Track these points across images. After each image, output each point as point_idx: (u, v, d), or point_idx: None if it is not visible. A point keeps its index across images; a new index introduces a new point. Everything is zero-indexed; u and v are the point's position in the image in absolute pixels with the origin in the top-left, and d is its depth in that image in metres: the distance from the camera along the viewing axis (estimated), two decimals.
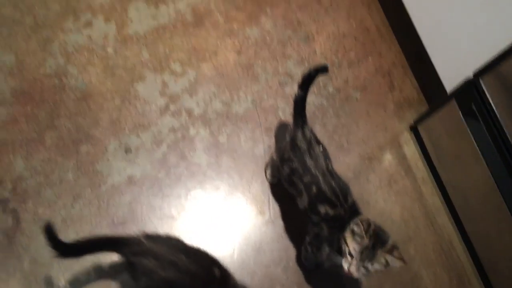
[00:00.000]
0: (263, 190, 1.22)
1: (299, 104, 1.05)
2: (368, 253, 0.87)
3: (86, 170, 1.16)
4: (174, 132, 1.23)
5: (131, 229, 1.12)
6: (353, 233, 0.89)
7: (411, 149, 1.29)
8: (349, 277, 0.89)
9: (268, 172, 1.22)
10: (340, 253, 0.90)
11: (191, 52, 1.30)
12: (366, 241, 0.87)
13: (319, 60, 1.33)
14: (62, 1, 1.28)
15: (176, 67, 1.28)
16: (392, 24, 1.38)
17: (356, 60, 1.35)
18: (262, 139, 1.25)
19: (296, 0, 1.38)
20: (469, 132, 1.06)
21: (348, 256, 0.88)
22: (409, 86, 1.34)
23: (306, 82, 1.05)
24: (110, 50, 1.26)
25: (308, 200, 1.00)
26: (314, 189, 0.98)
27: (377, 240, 0.87)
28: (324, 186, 0.97)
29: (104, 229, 1.11)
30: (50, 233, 0.89)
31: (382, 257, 0.87)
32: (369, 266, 0.87)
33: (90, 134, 1.18)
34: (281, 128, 1.26)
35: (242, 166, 1.23)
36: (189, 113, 1.25)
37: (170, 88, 1.26)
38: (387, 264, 0.87)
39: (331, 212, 0.96)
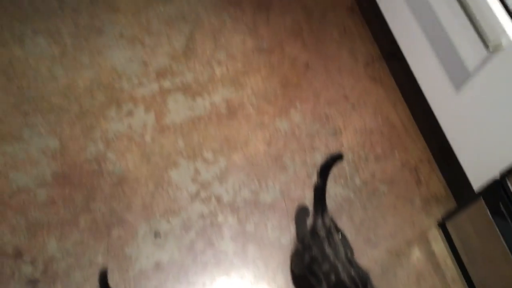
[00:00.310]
0: (288, 281, 1.21)
1: (319, 192, 1.09)
2: None
3: (116, 254, 1.18)
4: (203, 218, 1.25)
5: None
6: None
7: (439, 246, 1.27)
8: None
9: (293, 263, 1.21)
10: None
11: (223, 142, 1.36)
12: None
13: (346, 153, 1.37)
14: (107, 92, 1.39)
15: (209, 155, 1.34)
16: (418, 121, 1.43)
17: (383, 154, 1.38)
18: (289, 228, 1.27)
19: (324, 96, 1.46)
20: (498, 232, 1.05)
21: None
22: (436, 182, 1.35)
23: (324, 170, 1.09)
24: (148, 138, 1.34)
25: None
26: (333, 278, 0.98)
27: None
28: (343, 275, 0.97)
29: None
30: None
31: None
32: None
33: (122, 218, 1.22)
34: (301, 212, 1.28)
35: (268, 255, 1.23)
36: (219, 200, 1.28)
37: (201, 175, 1.31)
38: None
39: None
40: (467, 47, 1.10)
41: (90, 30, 1.47)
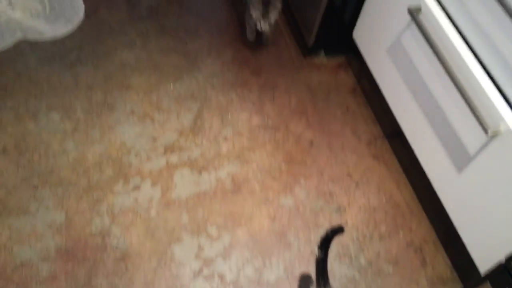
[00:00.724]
0: None
1: (320, 265, 1.10)
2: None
3: None
4: None
5: None
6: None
7: None
8: None
9: None
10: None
11: (227, 217, 1.37)
12: None
13: (350, 231, 1.37)
14: (115, 166, 1.42)
15: (213, 230, 1.34)
16: (421, 200, 1.44)
17: (387, 233, 1.38)
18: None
19: (328, 173, 1.48)
20: None
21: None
22: (441, 263, 1.34)
23: (325, 243, 1.10)
24: (153, 212, 1.35)
25: None
26: None
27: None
28: None
29: None
30: None
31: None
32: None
33: None
34: (304, 281, 1.25)
35: None
36: (222, 278, 1.27)
37: (205, 252, 1.30)
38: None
39: None
40: (467, 131, 1.14)
41: (103, 106, 1.53)
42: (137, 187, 1.39)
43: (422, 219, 1.41)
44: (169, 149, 1.48)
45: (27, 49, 1.64)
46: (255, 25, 1.61)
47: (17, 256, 1.24)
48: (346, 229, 1.38)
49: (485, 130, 1.02)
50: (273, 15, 1.59)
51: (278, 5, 1.58)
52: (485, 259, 1.14)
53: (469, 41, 1.12)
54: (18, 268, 1.22)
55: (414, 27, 1.25)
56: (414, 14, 1.20)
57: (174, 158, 1.46)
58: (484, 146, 1.08)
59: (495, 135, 1.03)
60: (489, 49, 1.06)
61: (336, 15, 1.57)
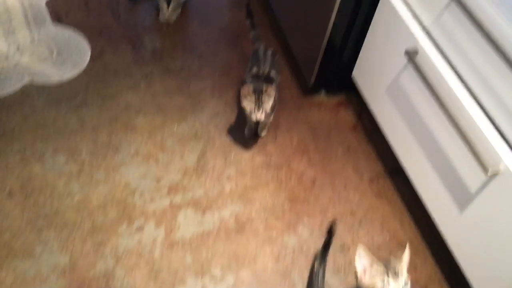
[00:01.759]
0: None
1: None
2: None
3: None
4: None
5: None
6: None
7: None
8: None
9: None
10: None
11: (231, 258, 1.37)
12: None
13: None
14: (119, 208, 1.43)
15: (217, 271, 1.34)
16: (425, 238, 1.44)
17: None
18: None
19: (331, 211, 1.48)
20: None
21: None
22: None
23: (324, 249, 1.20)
24: (156, 254, 1.35)
25: None
26: None
27: None
28: None
29: None
30: None
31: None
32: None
33: None
34: None
35: None
36: None
37: None
38: None
39: None
40: (467, 171, 1.15)
41: (108, 148, 1.56)
42: (140, 228, 1.39)
43: (427, 258, 1.41)
44: (173, 189, 1.49)
45: (34, 93, 1.68)
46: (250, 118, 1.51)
47: None
48: (351, 268, 1.37)
49: (485, 170, 1.03)
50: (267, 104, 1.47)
51: (272, 93, 1.46)
52: None
53: (466, 82, 1.14)
54: None
55: (411, 68, 1.28)
56: (411, 56, 1.24)
57: (178, 198, 1.47)
58: (484, 185, 1.09)
59: (494, 174, 1.04)
60: (487, 90, 1.08)
61: (336, 56, 1.61)
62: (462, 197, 1.18)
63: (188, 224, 1.42)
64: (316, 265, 1.26)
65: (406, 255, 0.90)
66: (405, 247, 1.02)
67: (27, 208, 1.40)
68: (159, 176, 1.51)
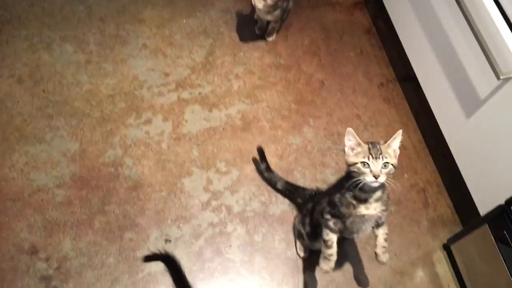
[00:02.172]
0: None
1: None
2: None
3: (127, 256, 1.22)
4: (212, 227, 1.29)
5: None
6: None
7: (443, 268, 1.29)
8: None
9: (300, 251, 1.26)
10: None
11: (236, 154, 1.40)
12: None
13: None
14: (128, 100, 1.44)
15: (222, 166, 1.38)
16: (428, 144, 1.45)
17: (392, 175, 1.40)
18: (296, 242, 1.29)
19: (337, 114, 1.49)
20: (502, 258, 1.07)
21: None
22: (443, 205, 1.37)
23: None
24: (164, 145, 1.38)
25: None
26: None
27: None
28: None
29: None
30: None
31: None
32: None
33: (135, 222, 1.26)
34: None
35: (274, 267, 1.26)
36: (229, 210, 1.32)
37: (213, 185, 1.35)
38: None
39: None
40: (479, 76, 1.13)
41: (115, 40, 1.53)
42: (148, 121, 1.42)
43: (428, 163, 1.43)
44: (180, 85, 1.49)
45: None
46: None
47: (33, 182, 1.30)
48: None
49: (497, 74, 1.01)
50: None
51: None
52: (486, 202, 1.16)
53: None
54: (35, 192, 1.28)
55: None
56: None
57: (185, 94, 1.47)
58: (495, 91, 1.08)
59: (507, 78, 1.02)
60: None
61: None
62: (471, 103, 1.17)
63: (195, 119, 1.44)
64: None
65: (397, 141, 0.95)
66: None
67: (36, 95, 1.42)
68: (167, 71, 1.51)
